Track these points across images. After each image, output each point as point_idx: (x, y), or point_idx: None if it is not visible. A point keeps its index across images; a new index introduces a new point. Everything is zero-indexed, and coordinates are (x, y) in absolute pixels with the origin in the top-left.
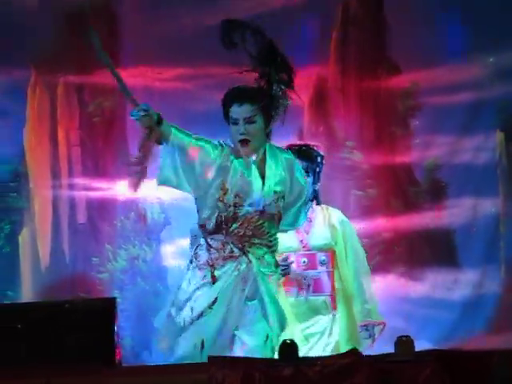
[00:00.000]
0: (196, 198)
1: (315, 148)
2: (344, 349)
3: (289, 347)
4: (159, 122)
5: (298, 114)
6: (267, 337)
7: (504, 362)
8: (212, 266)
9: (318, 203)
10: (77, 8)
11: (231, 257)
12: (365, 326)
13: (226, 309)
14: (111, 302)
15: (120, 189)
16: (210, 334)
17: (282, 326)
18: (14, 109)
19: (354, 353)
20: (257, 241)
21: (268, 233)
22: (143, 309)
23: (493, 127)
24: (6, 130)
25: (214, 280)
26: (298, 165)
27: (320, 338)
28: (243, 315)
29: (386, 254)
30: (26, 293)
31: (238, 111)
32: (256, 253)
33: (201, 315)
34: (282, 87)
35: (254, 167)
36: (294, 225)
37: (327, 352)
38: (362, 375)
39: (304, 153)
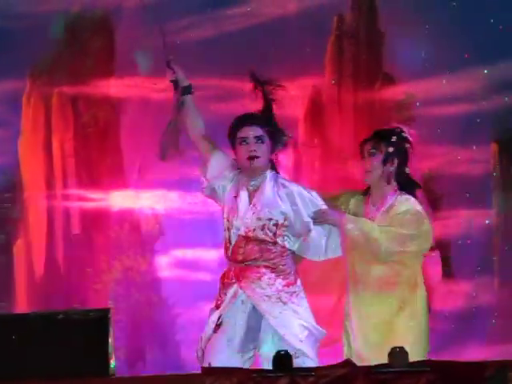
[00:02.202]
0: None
1: (399, 129)
2: None
3: (283, 358)
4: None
5: (293, 126)
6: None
7: (497, 373)
8: (219, 293)
9: (402, 189)
10: (74, 19)
11: (230, 284)
12: None
13: (232, 332)
14: (105, 312)
15: (114, 199)
16: (217, 357)
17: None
18: (8, 119)
19: (348, 363)
20: (248, 263)
21: (262, 256)
22: (137, 320)
23: (487, 139)
24: (0, 141)
25: (218, 306)
26: (305, 198)
27: None
28: (256, 336)
29: None
30: (20, 303)
31: (249, 130)
32: (249, 276)
33: (207, 341)
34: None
35: (244, 193)
36: (316, 256)
37: None
38: None
39: (376, 132)
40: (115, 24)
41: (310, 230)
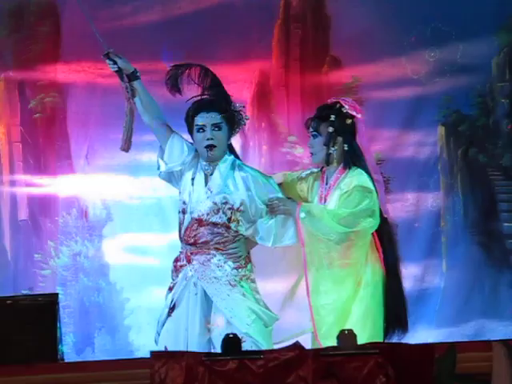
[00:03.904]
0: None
1: (339, 104)
2: None
3: (232, 341)
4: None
5: None
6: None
7: (446, 355)
8: (172, 276)
9: (345, 167)
10: (18, 4)
11: (181, 266)
12: None
13: (185, 315)
14: (53, 297)
15: (61, 185)
16: (172, 340)
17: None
18: None
19: (297, 346)
20: (199, 246)
21: (213, 240)
22: (85, 305)
23: (434, 122)
24: None
25: (171, 289)
26: (260, 184)
27: None
28: (209, 318)
29: None
30: None
31: (206, 118)
32: (199, 258)
33: (163, 324)
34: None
35: (201, 176)
36: (267, 241)
37: None
38: (307, 368)
39: (317, 111)
40: (61, 8)
41: (262, 217)
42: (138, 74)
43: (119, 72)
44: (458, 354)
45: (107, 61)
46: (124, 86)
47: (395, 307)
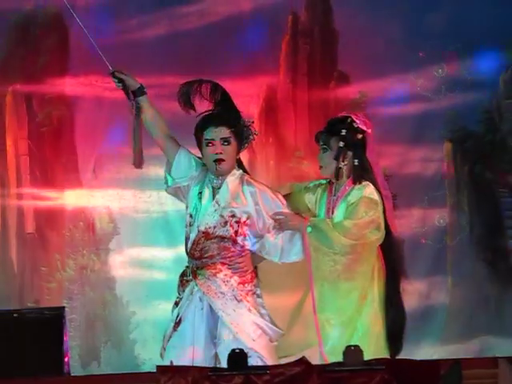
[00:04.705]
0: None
1: (350, 119)
2: None
3: (238, 356)
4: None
5: None
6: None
7: (452, 371)
8: (178, 291)
9: (355, 181)
10: (26, 17)
11: (187, 281)
12: None
13: (191, 329)
14: (59, 311)
15: (68, 198)
16: (177, 355)
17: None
18: None
19: (303, 361)
20: (205, 261)
21: (219, 254)
22: (91, 318)
23: (441, 138)
24: None
25: (177, 304)
26: (268, 199)
27: None
28: (215, 333)
29: None
30: None
31: (214, 132)
32: (205, 273)
33: (169, 339)
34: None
35: (208, 190)
36: (274, 257)
37: None
38: (313, 383)
39: (328, 124)
40: (69, 21)
41: (269, 232)
42: (144, 89)
43: (125, 89)
44: (463, 371)
45: (113, 79)
46: (130, 103)
47: (394, 324)
